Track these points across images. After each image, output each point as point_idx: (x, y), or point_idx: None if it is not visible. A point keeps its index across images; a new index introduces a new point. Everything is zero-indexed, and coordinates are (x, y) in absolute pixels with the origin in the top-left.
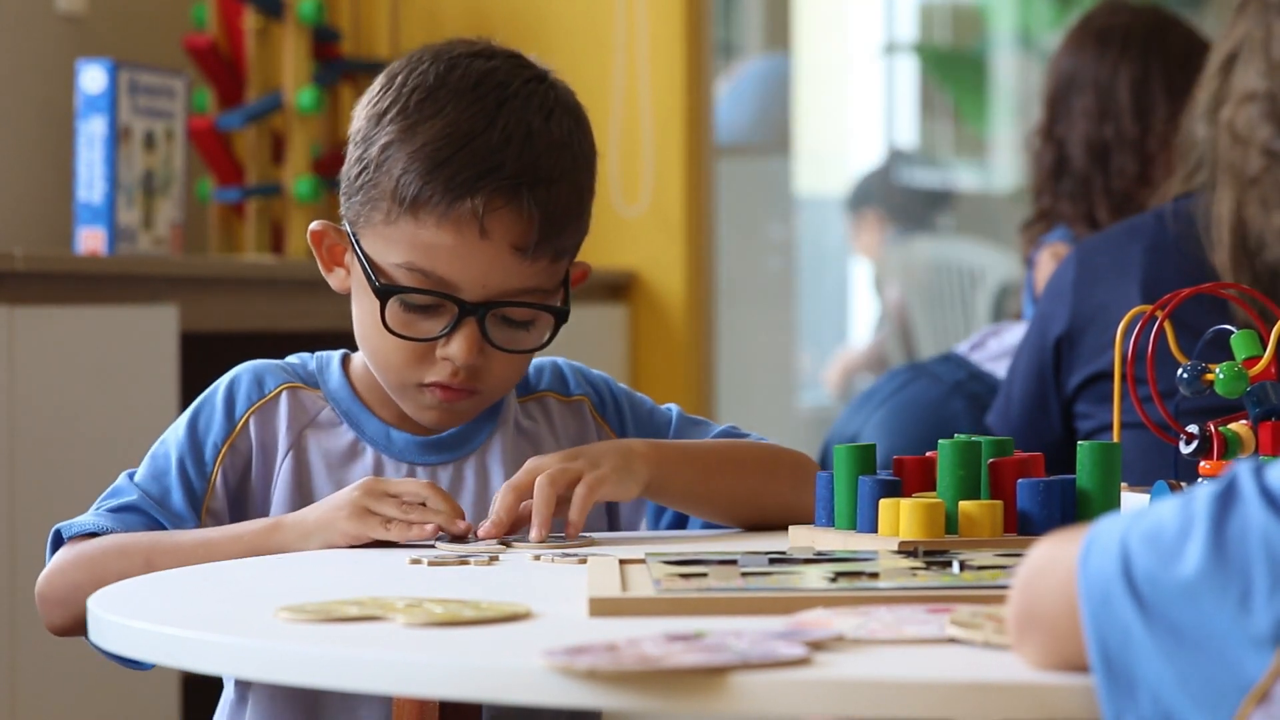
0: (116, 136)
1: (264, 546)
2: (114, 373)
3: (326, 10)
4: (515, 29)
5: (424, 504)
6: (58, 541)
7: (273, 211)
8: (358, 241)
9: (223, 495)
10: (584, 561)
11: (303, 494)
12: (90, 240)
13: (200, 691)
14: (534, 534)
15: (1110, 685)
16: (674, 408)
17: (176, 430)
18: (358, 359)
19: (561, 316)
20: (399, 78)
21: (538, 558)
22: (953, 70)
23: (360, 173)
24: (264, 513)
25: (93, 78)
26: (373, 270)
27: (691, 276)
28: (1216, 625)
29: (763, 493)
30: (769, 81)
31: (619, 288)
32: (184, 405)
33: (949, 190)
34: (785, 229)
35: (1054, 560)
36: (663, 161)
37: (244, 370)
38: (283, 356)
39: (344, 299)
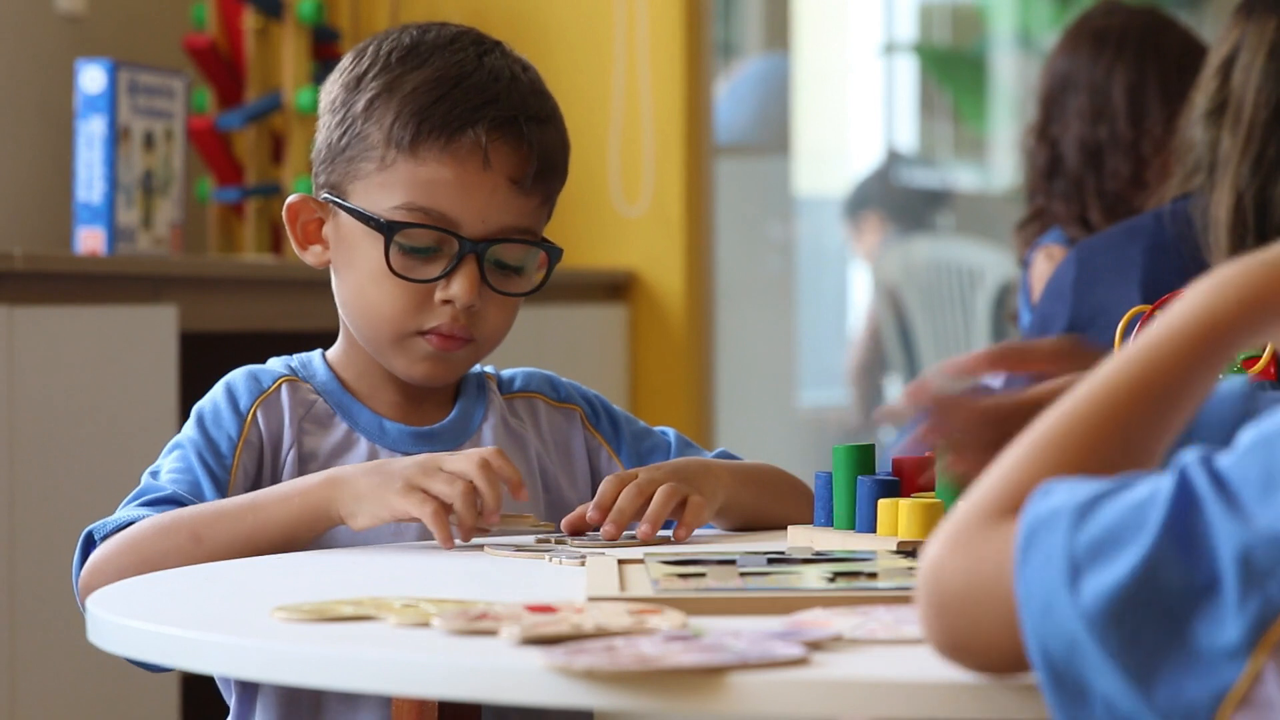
0: (116, 136)
1: (319, 504)
2: (114, 373)
3: (326, 10)
4: (515, 29)
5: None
6: (89, 543)
7: (272, 211)
8: (345, 200)
9: (242, 490)
10: (584, 562)
11: None
12: (90, 240)
13: (200, 691)
14: (641, 531)
15: (1059, 694)
16: (670, 431)
17: (187, 433)
18: (335, 353)
19: (555, 254)
20: (370, 48)
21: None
22: (952, 70)
23: (343, 134)
24: None
25: (92, 78)
26: (371, 215)
27: (691, 276)
28: (1184, 634)
29: (799, 517)
30: (769, 81)
31: (619, 287)
32: (184, 405)
33: (947, 190)
34: (785, 229)
35: (975, 577)
36: (662, 161)
37: (236, 373)
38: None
39: None
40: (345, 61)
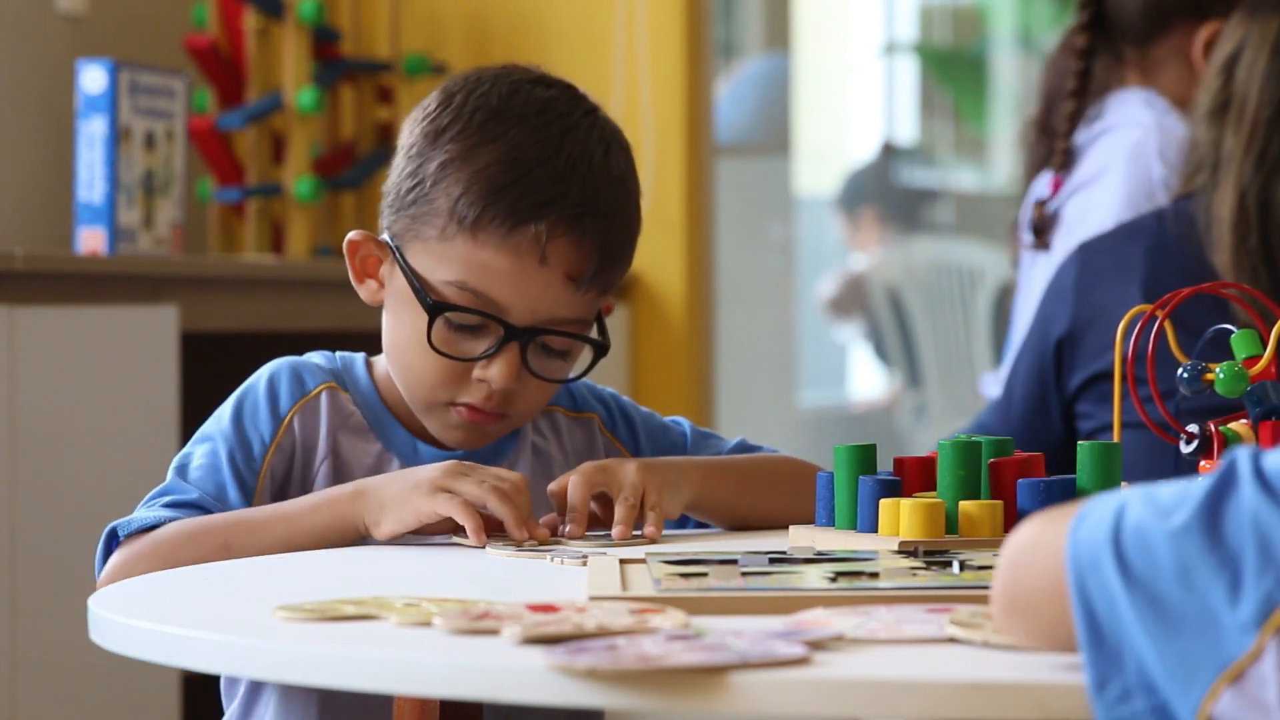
0: (117, 136)
1: (347, 515)
2: (114, 373)
3: (326, 10)
4: (515, 29)
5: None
6: (111, 539)
7: (273, 211)
8: (403, 255)
9: (268, 494)
10: (585, 561)
11: None
12: (90, 240)
13: (200, 691)
14: (615, 533)
15: (1096, 651)
16: (685, 422)
17: (221, 424)
18: (380, 366)
19: (603, 350)
20: (457, 97)
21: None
22: (953, 70)
23: (413, 187)
24: None
25: (93, 78)
26: (420, 286)
27: (691, 276)
28: (1202, 603)
29: (792, 508)
30: (769, 81)
31: (619, 288)
32: (184, 405)
33: (943, 188)
34: (785, 229)
35: (1041, 538)
36: (662, 161)
37: (281, 366)
38: (282, 358)
39: (343, 299)
40: (431, 103)
